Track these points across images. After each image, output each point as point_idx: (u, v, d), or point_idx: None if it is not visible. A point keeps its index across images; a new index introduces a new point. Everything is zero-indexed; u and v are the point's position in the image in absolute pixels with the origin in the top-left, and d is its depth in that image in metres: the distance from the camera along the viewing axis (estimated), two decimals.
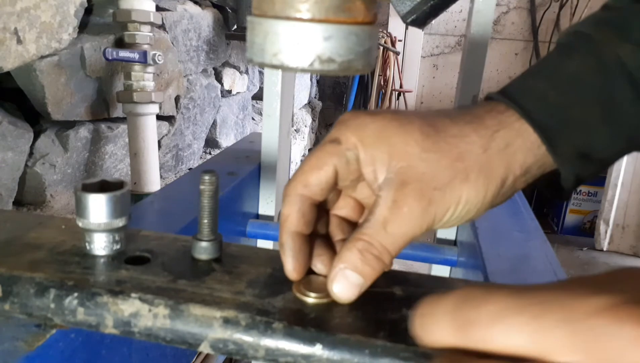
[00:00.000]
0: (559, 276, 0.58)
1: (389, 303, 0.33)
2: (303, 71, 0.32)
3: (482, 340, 0.19)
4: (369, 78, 3.32)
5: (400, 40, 3.43)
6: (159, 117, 1.52)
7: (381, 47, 3.10)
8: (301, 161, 3.12)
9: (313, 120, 3.32)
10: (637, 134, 0.35)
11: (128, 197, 0.38)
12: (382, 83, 3.26)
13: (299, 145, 2.92)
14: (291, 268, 0.34)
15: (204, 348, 0.32)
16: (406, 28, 3.42)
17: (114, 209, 0.37)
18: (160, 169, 1.39)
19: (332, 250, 0.36)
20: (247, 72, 2.20)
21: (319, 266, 0.35)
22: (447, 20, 3.58)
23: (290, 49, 0.31)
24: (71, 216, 1.23)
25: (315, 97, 3.59)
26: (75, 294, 0.33)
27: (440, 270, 0.90)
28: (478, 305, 0.20)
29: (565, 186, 0.35)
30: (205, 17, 1.76)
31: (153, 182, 1.34)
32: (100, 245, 0.38)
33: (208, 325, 0.31)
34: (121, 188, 0.38)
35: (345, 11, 0.31)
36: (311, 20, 0.31)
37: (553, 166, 0.35)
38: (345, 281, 0.31)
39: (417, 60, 3.64)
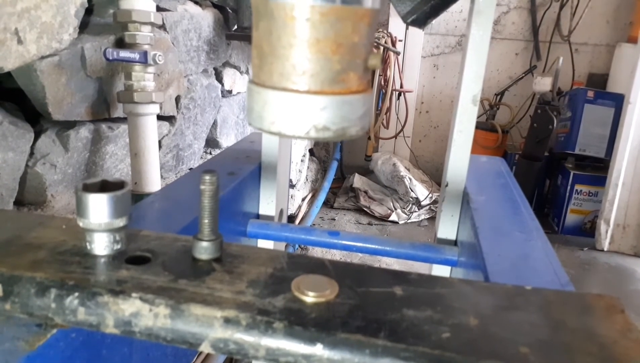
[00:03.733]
0: (559, 277, 0.58)
1: (389, 303, 0.33)
2: (299, 138, 0.33)
3: None
4: None
5: (400, 40, 3.43)
6: (160, 118, 1.52)
7: (381, 47, 3.10)
8: (301, 161, 3.10)
9: None
10: None
11: (128, 197, 0.38)
12: (382, 83, 3.26)
13: (299, 145, 2.92)
14: None
15: (205, 348, 0.32)
16: (406, 28, 3.42)
17: (115, 209, 0.37)
18: (160, 169, 1.39)
19: None
20: (247, 72, 2.20)
21: None
22: (448, 20, 3.58)
23: (287, 118, 0.32)
24: (72, 216, 1.23)
25: None
26: (76, 294, 0.33)
27: (441, 270, 0.90)
28: None
29: None
30: (205, 17, 1.76)
31: (153, 182, 1.34)
32: (101, 245, 0.38)
33: (209, 325, 0.31)
34: (122, 188, 0.38)
35: (340, 82, 0.32)
36: (307, 92, 0.32)
37: None
38: None
39: (418, 60, 3.63)
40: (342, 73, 0.32)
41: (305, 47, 0.31)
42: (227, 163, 0.95)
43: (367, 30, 0.32)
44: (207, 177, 0.37)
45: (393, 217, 3.18)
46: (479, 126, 3.08)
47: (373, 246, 0.87)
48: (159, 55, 1.25)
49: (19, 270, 0.35)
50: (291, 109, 0.32)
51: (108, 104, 1.30)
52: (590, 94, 3.05)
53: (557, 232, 3.15)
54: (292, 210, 2.94)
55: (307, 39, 0.31)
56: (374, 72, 3.14)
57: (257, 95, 0.33)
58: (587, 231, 3.09)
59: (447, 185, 0.86)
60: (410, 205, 3.24)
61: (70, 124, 1.20)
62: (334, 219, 3.19)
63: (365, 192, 3.37)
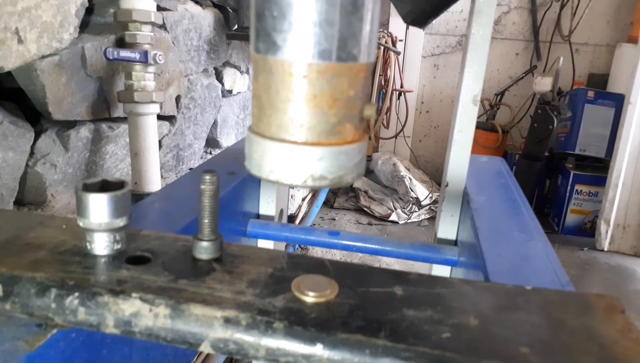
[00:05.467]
0: (559, 277, 0.58)
1: (389, 303, 0.33)
2: (297, 186, 0.34)
3: None
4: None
5: (401, 40, 3.43)
6: (160, 117, 1.52)
7: (382, 47, 3.10)
8: None
9: None
10: None
11: (129, 197, 0.38)
12: (382, 83, 3.25)
13: None
14: None
15: (205, 348, 0.32)
16: (407, 28, 3.42)
17: (115, 209, 0.37)
18: (161, 169, 1.39)
19: None
20: (247, 72, 2.20)
21: None
22: (448, 20, 3.58)
23: (285, 168, 0.33)
24: (72, 216, 1.23)
25: None
26: (76, 294, 0.33)
27: (441, 270, 0.90)
28: None
29: None
30: (206, 17, 1.76)
31: (154, 182, 1.34)
32: (101, 245, 0.38)
33: (209, 325, 0.31)
34: (122, 188, 0.38)
35: (336, 134, 0.33)
36: (304, 143, 0.33)
37: None
38: None
39: (418, 60, 3.63)
40: (338, 125, 0.33)
41: (303, 102, 0.32)
42: (227, 162, 0.95)
43: (363, 83, 0.34)
44: (207, 177, 0.37)
45: (393, 217, 3.18)
46: (479, 126, 3.08)
47: (373, 246, 0.87)
48: (160, 55, 1.25)
49: (19, 270, 0.35)
50: (289, 159, 0.33)
51: (108, 103, 1.30)
52: (591, 94, 3.05)
53: (557, 232, 3.15)
54: (292, 210, 2.94)
55: (305, 94, 0.32)
56: (374, 73, 3.14)
57: (257, 145, 0.34)
58: (587, 231, 3.09)
59: (447, 185, 0.86)
60: (410, 205, 3.24)
61: (70, 124, 1.20)
62: (334, 219, 3.19)
63: (366, 192, 3.37)
